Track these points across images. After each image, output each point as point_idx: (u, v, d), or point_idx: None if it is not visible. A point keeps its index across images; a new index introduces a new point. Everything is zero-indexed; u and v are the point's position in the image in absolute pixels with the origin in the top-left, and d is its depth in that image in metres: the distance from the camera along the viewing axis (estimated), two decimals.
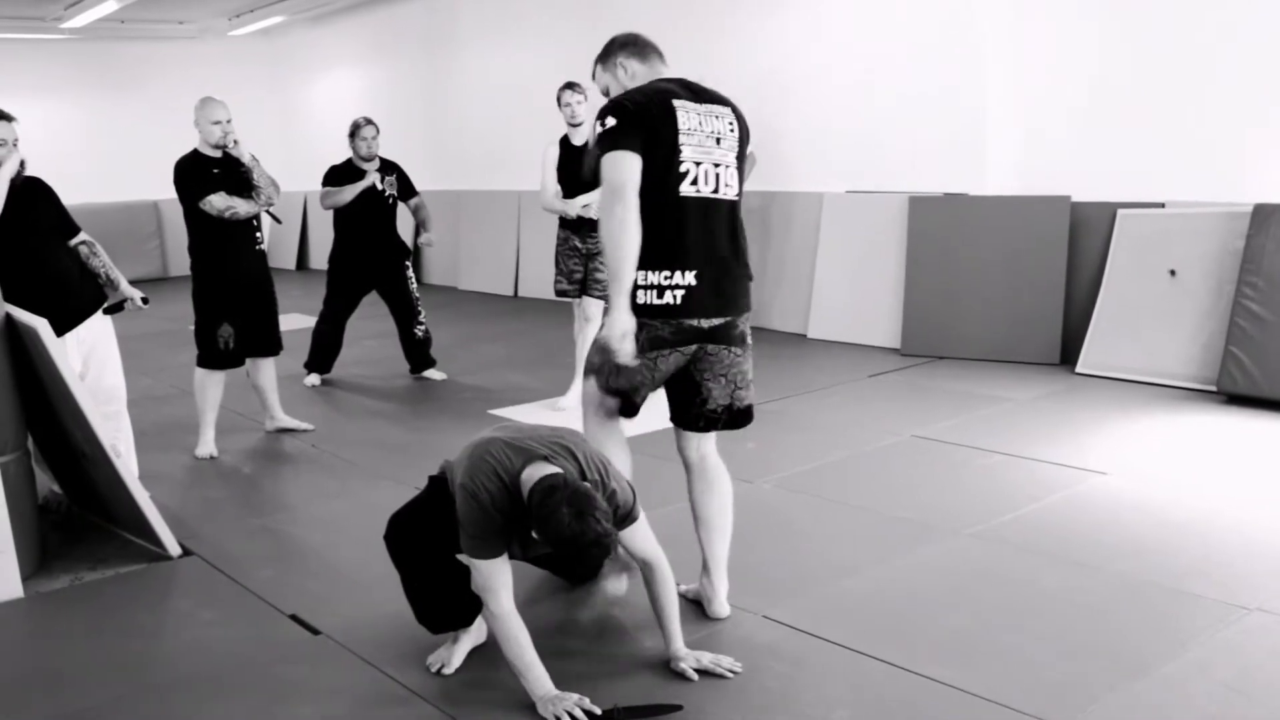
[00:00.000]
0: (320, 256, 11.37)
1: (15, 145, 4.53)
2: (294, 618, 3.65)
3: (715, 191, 3.30)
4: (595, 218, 6.33)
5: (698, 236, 3.25)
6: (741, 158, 3.42)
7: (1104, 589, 3.70)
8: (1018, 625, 3.45)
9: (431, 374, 7.39)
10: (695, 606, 3.57)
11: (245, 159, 5.46)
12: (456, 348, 8.28)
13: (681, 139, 3.23)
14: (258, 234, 5.63)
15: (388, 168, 7.19)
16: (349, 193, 7.00)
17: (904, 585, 3.80)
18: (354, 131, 7.09)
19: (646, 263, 3.22)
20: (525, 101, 10.60)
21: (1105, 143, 7.12)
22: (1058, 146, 7.37)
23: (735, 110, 3.43)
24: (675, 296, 3.23)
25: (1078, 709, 2.92)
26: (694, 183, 3.25)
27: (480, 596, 3.00)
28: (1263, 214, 6.16)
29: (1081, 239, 7.14)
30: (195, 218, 5.46)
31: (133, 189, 13.50)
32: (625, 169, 3.15)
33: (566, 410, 6.18)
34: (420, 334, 7.33)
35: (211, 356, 5.62)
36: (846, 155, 8.34)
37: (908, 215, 7.72)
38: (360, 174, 7.07)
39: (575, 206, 6.33)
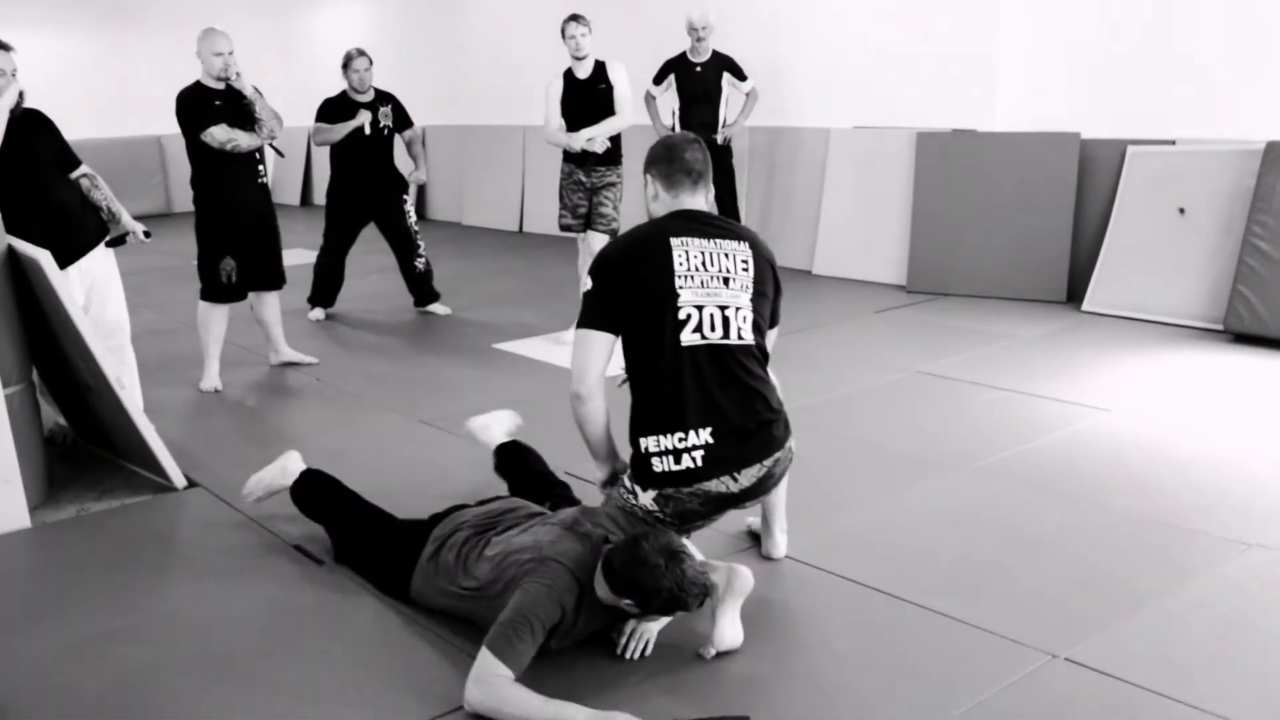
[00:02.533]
0: (324, 191, 11.30)
1: (14, 76, 4.49)
2: (298, 548, 3.67)
3: (725, 337, 2.96)
4: (599, 151, 6.29)
5: (708, 389, 2.92)
6: (763, 297, 3.07)
7: (1105, 524, 3.71)
8: (1018, 559, 3.46)
9: (435, 308, 7.38)
10: (753, 539, 3.60)
11: (247, 91, 5.40)
12: (461, 283, 8.26)
13: (678, 281, 2.93)
14: (260, 167, 5.59)
15: (383, 99, 7.12)
16: (339, 132, 6.94)
17: (906, 519, 3.81)
18: (346, 63, 7.01)
19: (655, 426, 2.93)
20: (530, 35, 10.49)
21: (1115, 79, 7.04)
22: (1067, 83, 7.28)
23: (755, 244, 3.10)
24: (695, 459, 2.90)
25: (1075, 641, 2.94)
26: (697, 329, 2.93)
27: (478, 680, 2.62)
28: (1274, 152, 6.09)
29: (1090, 176, 7.08)
30: (197, 150, 5.42)
31: (135, 124, 13.40)
32: (589, 357, 2.98)
33: (570, 344, 6.17)
34: (420, 267, 7.30)
35: (214, 290, 5.61)
36: (854, 90, 8.25)
37: (915, 151, 7.65)
38: (355, 106, 7.01)
39: (579, 140, 6.28)
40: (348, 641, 3.07)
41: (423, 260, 7.31)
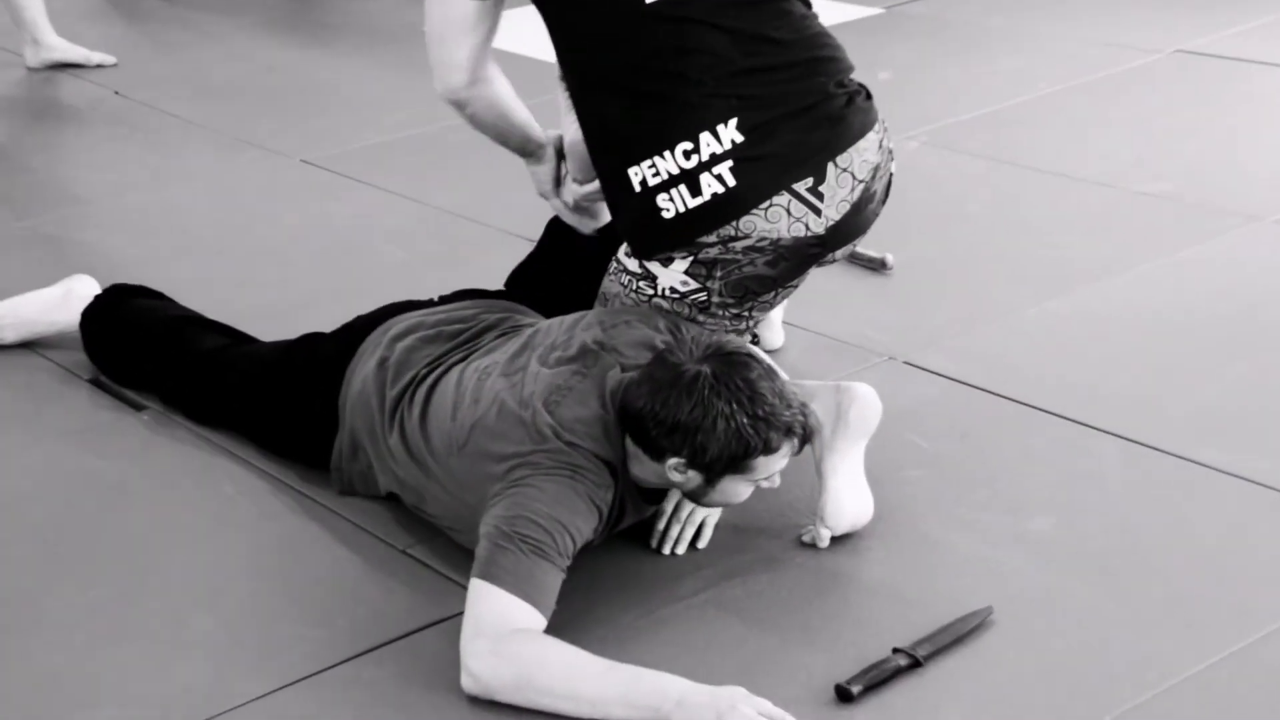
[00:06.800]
0: None
1: None
2: (95, 382, 3.65)
3: None
4: None
5: (716, 64, 2.92)
6: None
7: None
8: None
9: None
10: None
11: None
12: None
13: None
14: None
15: None
16: None
17: (1141, 308, 3.85)
18: None
19: (645, 143, 2.94)
20: None
21: None
22: None
23: None
24: (721, 176, 2.88)
25: None
26: None
27: (493, 641, 2.54)
28: None
29: None
30: None
31: None
32: (446, 41, 3.22)
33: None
34: None
35: None
36: None
37: None
38: None
39: None
40: (198, 533, 3.10)
41: None
